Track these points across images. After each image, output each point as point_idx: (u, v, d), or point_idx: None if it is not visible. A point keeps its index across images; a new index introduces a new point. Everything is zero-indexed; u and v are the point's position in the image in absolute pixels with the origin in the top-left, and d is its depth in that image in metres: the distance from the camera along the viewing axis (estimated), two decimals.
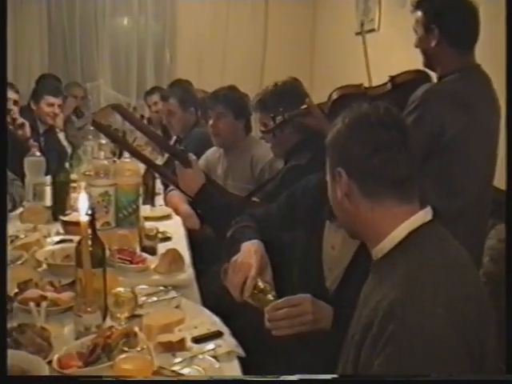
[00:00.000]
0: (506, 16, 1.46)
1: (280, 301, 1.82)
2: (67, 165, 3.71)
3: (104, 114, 2.61)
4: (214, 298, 2.43)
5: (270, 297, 1.87)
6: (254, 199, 2.87)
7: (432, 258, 1.35)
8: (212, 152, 3.73)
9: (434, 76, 2.70)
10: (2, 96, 1.48)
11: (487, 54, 2.58)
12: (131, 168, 2.88)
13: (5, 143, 1.47)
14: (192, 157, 2.68)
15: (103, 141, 3.67)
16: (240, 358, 1.83)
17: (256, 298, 1.90)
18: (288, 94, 2.87)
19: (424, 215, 1.42)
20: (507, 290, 1.22)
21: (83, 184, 3.16)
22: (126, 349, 1.59)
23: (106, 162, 2.91)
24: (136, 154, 2.79)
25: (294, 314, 1.79)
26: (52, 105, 4.80)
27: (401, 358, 1.23)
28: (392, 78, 2.78)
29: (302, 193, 2.18)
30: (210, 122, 3.54)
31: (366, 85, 2.87)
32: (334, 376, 1.38)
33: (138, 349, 1.61)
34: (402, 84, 2.75)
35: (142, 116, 5.74)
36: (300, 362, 1.89)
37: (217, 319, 2.05)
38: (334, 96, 2.80)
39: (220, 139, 3.54)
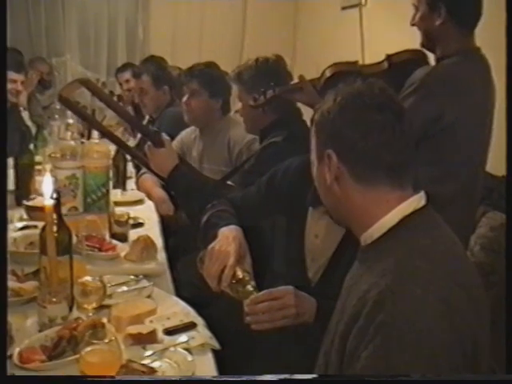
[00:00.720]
0: (506, 16, 1.49)
1: (261, 293, 1.81)
2: (31, 146, 3.68)
3: (71, 89, 2.58)
4: (188, 287, 2.45)
5: (249, 287, 1.86)
6: (230, 183, 2.87)
7: (424, 245, 1.35)
8: (187, 133, 3.72)
9: (431, 56, 2.70)
10: (2, 92, 1.50)
11: (486, 36, 2.58)
12: (100, 150, 2.87)
13: (4, 141, 1.48)
14: (165, 136, 2.68)
15: (70, 120, 3.65)
16: (215, 351, 1.85)
17: (234, 288, 1.90)
18: (269, 72, 2.87)
19: (418, 200, 1.42)
20: (507, 289, 1.23)
21: (48, 166, 3.14)
22: (93, 341, 1.59)
23: (73, 142, 2.89)
24: (106, 134, 2.78)
25: (275, 307, 1.79)
26: (14, 81, 4.73)
27: (389, 350, 1.23)
28: (388, 57, 2.78)
29: (283, 177, 2.18)
30: (184, 98, 3.54)
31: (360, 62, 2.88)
32: (314, 376, 1.38)
33: (106, 341, 1.61)
34: (399, 63, 2.76)
35: (112, 92, 5.70)
36: (279, 355, 1.90)
37: (190, 310, 2.06)
38: (328, 73, 2.80)
39: (192, 117, 3.53)
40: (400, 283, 1.28)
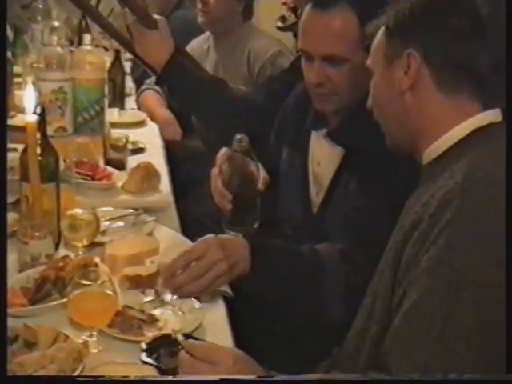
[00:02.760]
0: (506, 16, 1.59)
1: (177, 257, 1.77)
2: (9, 54, 3.67)
3: None
4: (197, 224, 2.49)
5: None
6: (241, 87, 2.86)
7: (499, 153, 1.41)
8: (198, 42, 3.71)
9: None
10: (2, 90, 1.55)
11: None
12: (93, 60, 2.87)
13: (4, 137, 1.53)
14: (157, 16, 2.58)
15: (56, 23, 3.65)
16: (226, 299, 1.89)
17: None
18: None
19: (495, 115, 1.50)
20: (507, 288, 1.29)
21: (30, 78, 3.14)
22: (83, 282, 1.63)
23: (60, 49, 2.87)
24: (107, 28, 2.70)
25: (200, 270, 1.73)
26: None
27: (454, 253, 1.29)
28: None
29: (282, 116, 2.30)
30: None
31: None
32: (331, 377, 1.44)
33: (99, 283, 1.65)
34: None
35: None
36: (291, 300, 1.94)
37: None
38: None
39: (209, 18, 3.49)
40: (472, 182, 1.35)
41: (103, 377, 1.44)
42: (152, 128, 3.41)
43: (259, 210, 2.05)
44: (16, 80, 3.39)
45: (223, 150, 2.05)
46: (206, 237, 1.80)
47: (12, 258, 1.93)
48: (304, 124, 2.13)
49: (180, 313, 1.76)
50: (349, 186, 1.94)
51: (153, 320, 1.72)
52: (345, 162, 1.99)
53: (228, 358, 1.42)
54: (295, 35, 2.76)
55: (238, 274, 1.77)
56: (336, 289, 1.81)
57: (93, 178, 2.48)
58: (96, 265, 1.84)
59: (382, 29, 1.58)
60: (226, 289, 1.90)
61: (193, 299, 1.80)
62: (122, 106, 3.61)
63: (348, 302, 1.77)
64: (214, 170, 2.08)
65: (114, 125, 3.10)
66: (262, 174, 2.05)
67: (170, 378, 1.48)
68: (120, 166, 2.66)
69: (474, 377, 1.26)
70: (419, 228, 1.36)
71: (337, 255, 1.84)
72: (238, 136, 1.97)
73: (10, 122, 2.91)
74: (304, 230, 2.05)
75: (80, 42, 3.17)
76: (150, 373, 1.48)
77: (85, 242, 1.98)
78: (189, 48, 3.68)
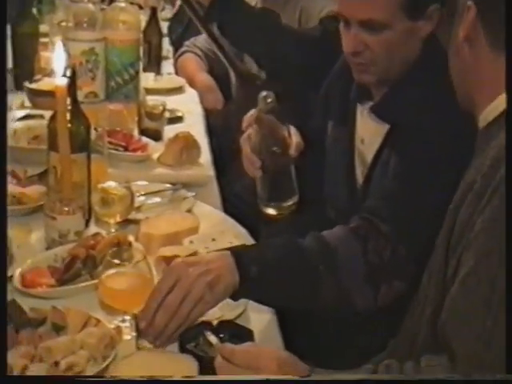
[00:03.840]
0: (506, 16, 1.59)
1: (148, 301, 1.59)
2: (34, 10, 3.69)
3: None
4: (240, 202, 2.50)
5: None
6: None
7: None
8: None
9: None
10: (2, 94, 1.59)
11: None
12: (127, 19, 2.88)
13: (4, 140, 1.57)
14: None
15: None
16: None
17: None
18: None
19: None
20: (507, 288, 1.29)
21: (58, 39, 3.16)
22: (116, 262, 1.65)
23: (91, 6, 2.87)
24: None
25: (176, 301, 1.57)
26: None
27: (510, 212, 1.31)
28: None
29: (329, 84, 2.28)
30: None
31: None
32: (376, 377, 1.45)
33: (133, 262, 1.67)
34: None
35: None
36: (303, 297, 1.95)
37: (242, 230, 2.13)
38: None
39: None
40: None
41: (103, 376, 1.45)
42: (191, 95, 3.42)
43: (295, 183, 2.05)
44: (42, 40, 3.41)
45: (251, 112, 2.06)
46: (173, 263, 1.66)
47: (39, 235, 1.99)
48: (348, 96, 2.12)
49: None
50: (390, 162, 1.93)
51: None
52: (387, 139, 1.98)
53: (272, 363, 1.40)
54: None
55: (226, 288, 1.62)
56: (354, 271, 1.79)
57: (126, 149, 2.51)
58: (130, 244, 1.86)
59: None
60: None
61: None
62: (158, 71, 3.63)
63: (372, 283, 1.78)
64: (244, 135, 2.10)
65: (149, 91, 3.13)
66: (294, 139, 2.05)
67: (196, 378, 1.49)
68: (156, 136, 2.69)
69: (474, 377, 1.27)
70: (472, 190, 1.38)
71: (349, 235, 1.83)
72: (264, 93, 1.98)
73: (35, 86, 2.95)
74: (348, 213, 2.04)
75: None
76: (188, 361, 1.50)
77: (118, 219, 2.01)
78: None
